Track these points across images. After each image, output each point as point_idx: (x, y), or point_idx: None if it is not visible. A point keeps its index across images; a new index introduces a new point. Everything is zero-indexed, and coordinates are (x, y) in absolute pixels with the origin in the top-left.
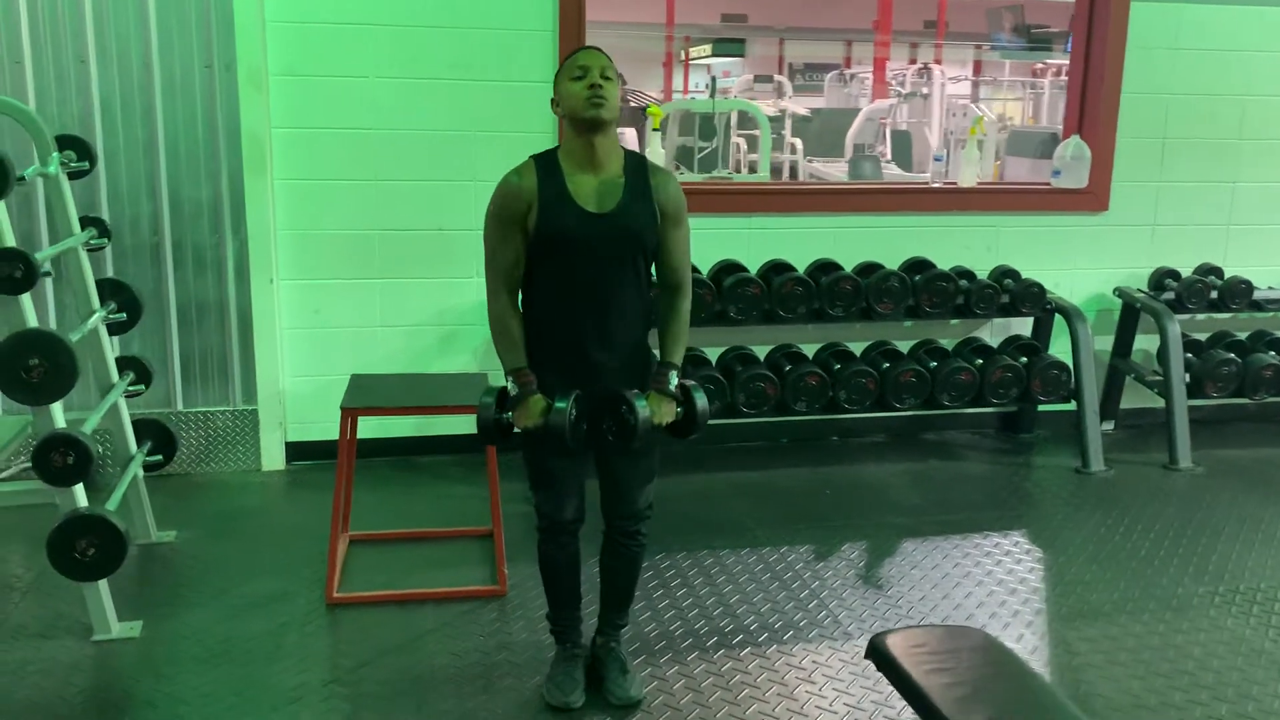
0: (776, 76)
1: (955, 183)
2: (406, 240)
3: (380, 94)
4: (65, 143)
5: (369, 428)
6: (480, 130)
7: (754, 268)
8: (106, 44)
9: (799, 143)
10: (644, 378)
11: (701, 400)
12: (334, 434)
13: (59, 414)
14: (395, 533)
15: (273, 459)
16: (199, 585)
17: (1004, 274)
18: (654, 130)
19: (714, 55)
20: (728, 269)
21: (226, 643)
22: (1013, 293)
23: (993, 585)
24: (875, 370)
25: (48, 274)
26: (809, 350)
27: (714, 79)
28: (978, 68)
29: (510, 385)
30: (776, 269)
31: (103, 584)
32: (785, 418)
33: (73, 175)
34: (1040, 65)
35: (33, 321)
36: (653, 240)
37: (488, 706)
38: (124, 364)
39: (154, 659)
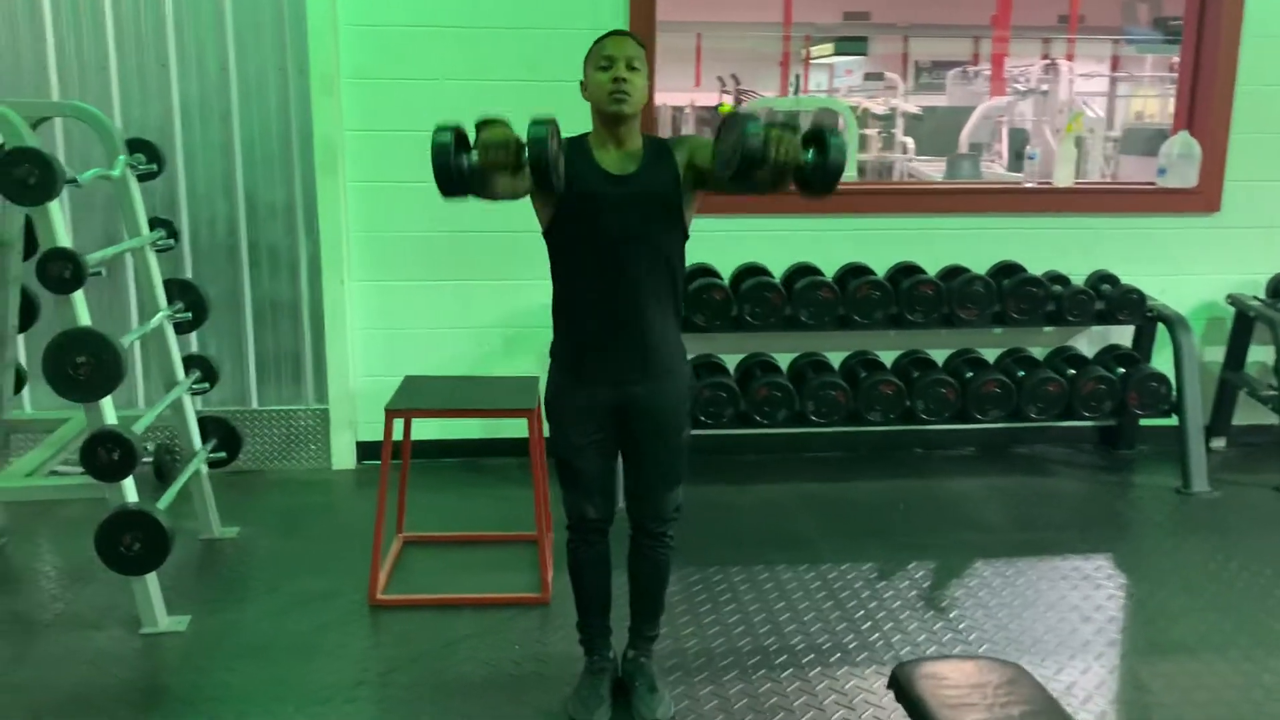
0: (888, 74)
1: (1050, 182)
2: (474, 242)
3: (450, 96)
4: (135, 146)
5: (434, 429)
6: None
7: (830, 271)
8: (186, 49)
9: (910, 142)
10: (676, 361)
11: (838, 149)
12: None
13: (109, 410)
14: (450, 535)
15: (343, 458)
16: (251, 581)
17: (1101, 279)
18: None
19: (836, 54)
20: (801, 271)
21: (268, 640)
22: (1109, 299)
23: (1065, 611)
24: (956, 380)
25: (97, 274)
26: (888, 358)
27: (797, 77)
28: (1115, 63)
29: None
30: (854, 272)
31: (151, 578)
32: (857, 428)
33: (142, 177)
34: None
35: (85, 320)
36: (675, 199)
37: (510, 714)
38: (191, 362)
39: (195, 654)
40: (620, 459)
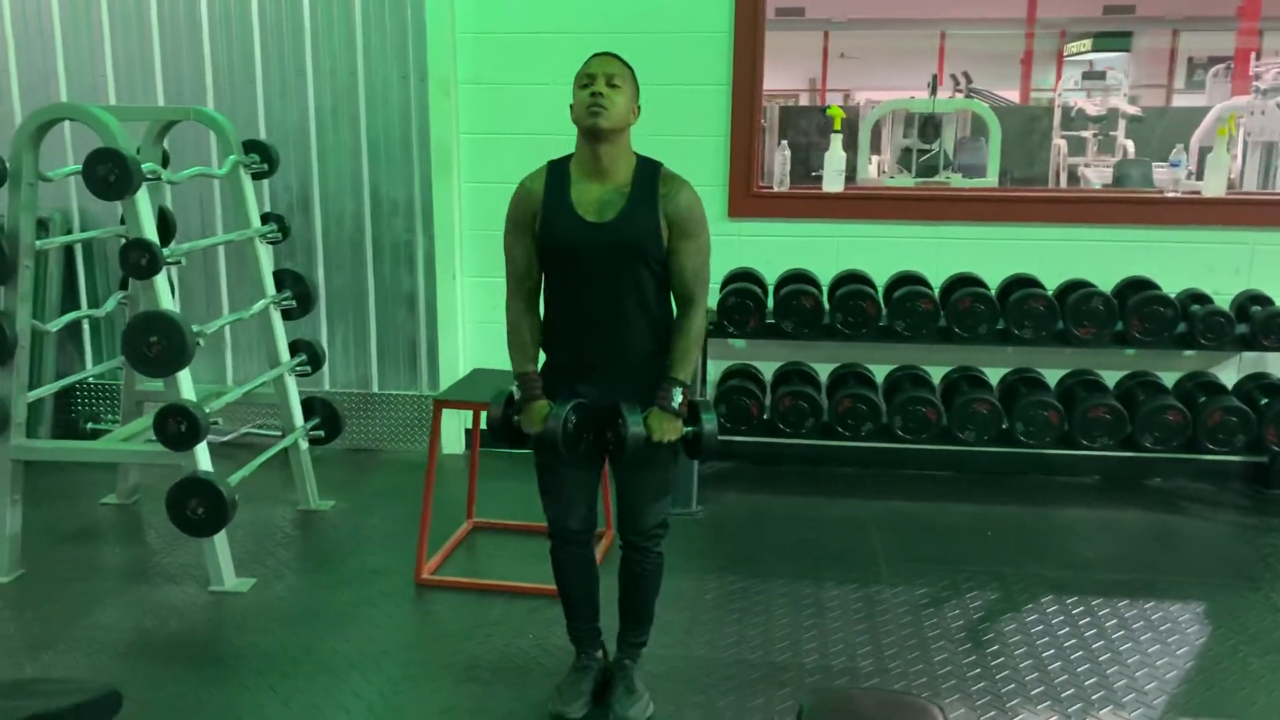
0: (1110, 72)
1: (1199, 192)
2: None
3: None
4: (250, 147)
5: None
6: (654, 134)
7: (939, 280)
8: (321, 58)
9: (1130, 144)
10: (653, 393)
11: (710, 422)
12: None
13: (186, 386)
14: (516, 524)
15: (452, 443)
16: (322, 553)
17: (1252, 300)
18: (835, 132)
19: (1094, 50)
20: (903, 281)
21: (313, 608)
22: (1256, 322)
23: (1125, 660)
24: (1059, 402)
25: (175, 263)
26: (996, 375)
27: (934, 76)
28: None
29: (515, 390)
30: (961, 283)
31: (220, 542)
32: (966, 448)
33: (256, 176)
34: None
35: (167, 303)
36: (657, 250)
37: (502, 701)
38: (298, 346)
39: (244, 614)
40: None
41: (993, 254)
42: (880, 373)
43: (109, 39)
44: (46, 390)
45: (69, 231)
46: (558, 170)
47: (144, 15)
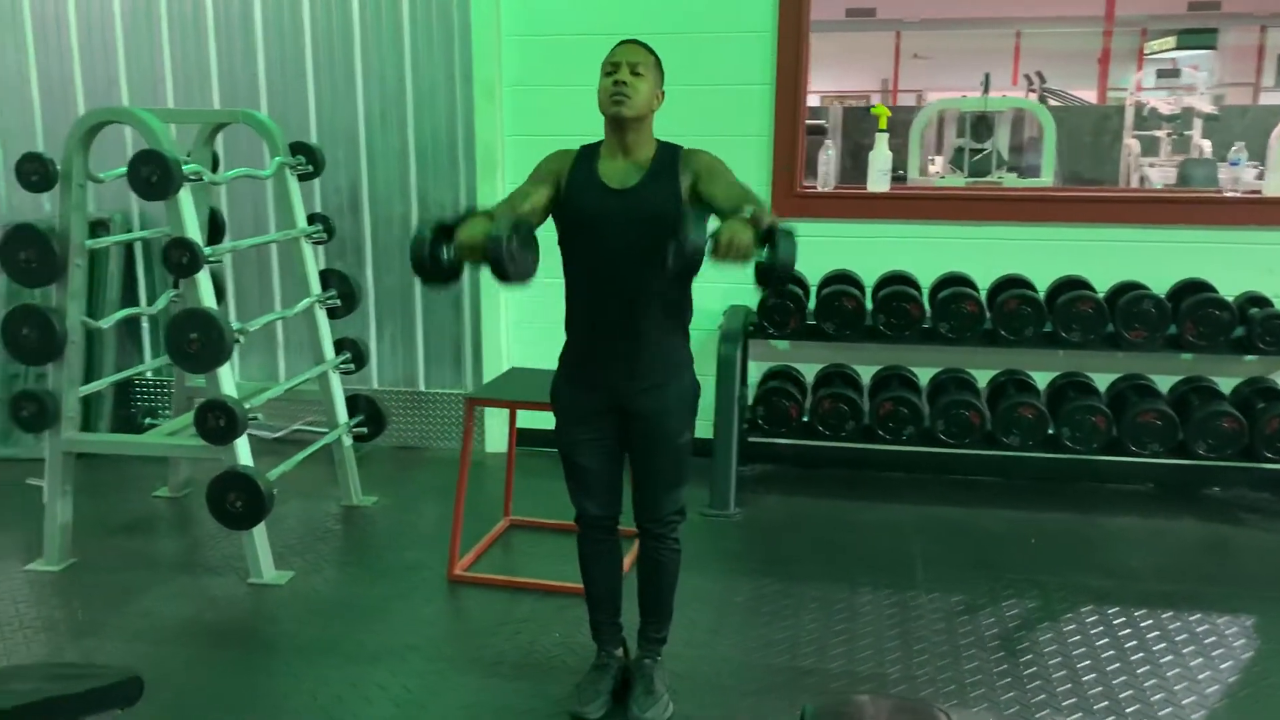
0: (1186, 70)
1: (1259, 191)
2: None
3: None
4: (297, 149)
5: None
6: (698, 135)
7: (987, 283)
8: (370, 62)
9: (1207, 144)
10: (669, 374)
11: (788, 246)
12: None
13: (226, 382)
14: (553, 522)
15: (496, 442)
16: (360, 548)
17: None
18: (880, 131)
19: (1179, 48)
20: (949, 282)
21: (346, 601)
22: None
23: (1164, 672)
24: (1108, 407)
25: (216, 262)
26: (1044, 379)
27: (987, 75)
28: None
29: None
30: (1009, 284)
31: (260, 536)
32: (992, 451)
33: (303, 177)
34: None
35: (207, 301)
36: (674, 216)
37: (523, 699)
38: (344, 345)
39: (279, 606)
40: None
41: (1043, 255)
42: (925, 375)
43: (168, 45)
44: (97, 385)
45: (130, 231)
46: (588, 151)
47: (200, 21)
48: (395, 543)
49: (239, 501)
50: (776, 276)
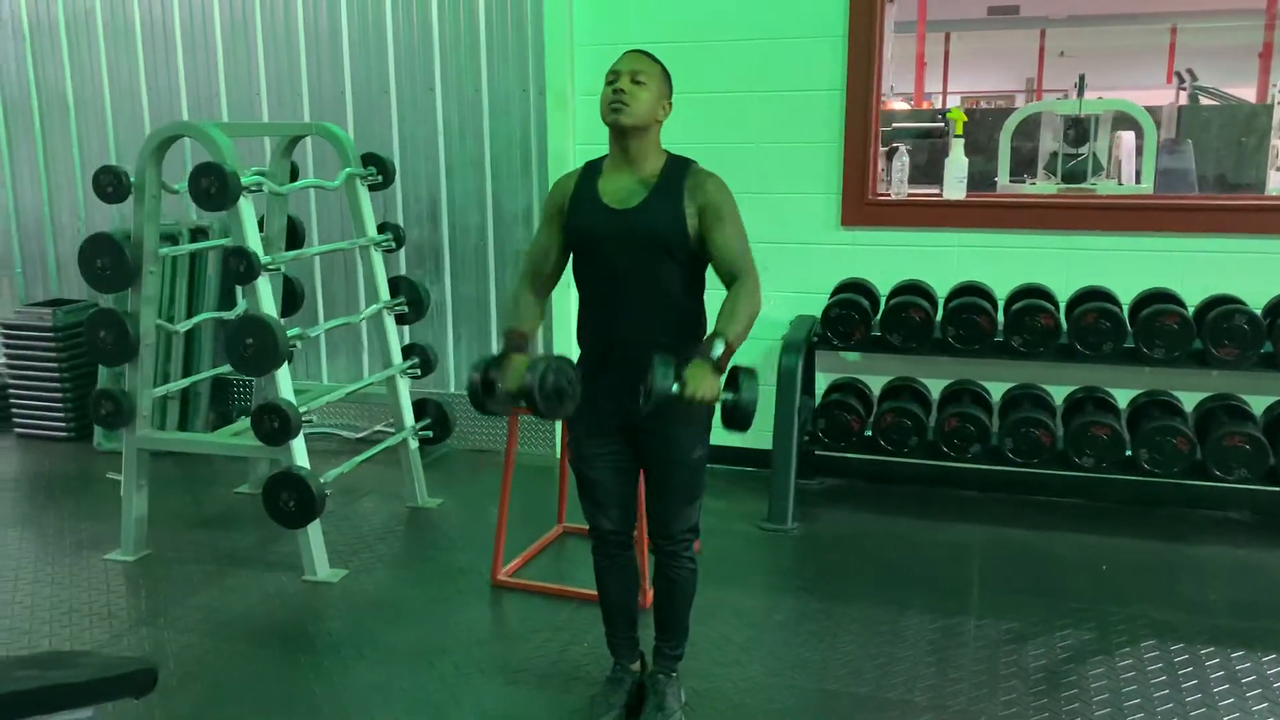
0: None
1: None
2: None
3: (674, 109)
4: (368, 160)
5: None
6: (767, 142)
7: (1068, 295)
8: (449, 74)
9: None
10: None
11: (750, 390)
12: (563, 430)
13: (284, 386)
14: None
15: None
16: (416, 549)
17: None
18: (956, 136)
19: None
20: (1024, 293)
21: (391, 601)
22: None
23: (1220, 716)
24: (1194, 429)
25: (275, 269)
26: (1126, 398)
27: (1082, 76)
28: None
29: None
30: (1089, 296)
31: (314, 534)
32: (1076, 472)
33: (373, 187)
34: None
35: (266, 308)
36: (678, 238)
37: (540, 708)
38: (412, 350)
39: (328, 603)
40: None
41: (1130, 267)
42: (999, 391)
43: (263, 60)
44: (170, 387)
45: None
46: (592, 167)
47: (293, 38)
48: (450, 545)
49: (291, 501)
50: (739, 418)
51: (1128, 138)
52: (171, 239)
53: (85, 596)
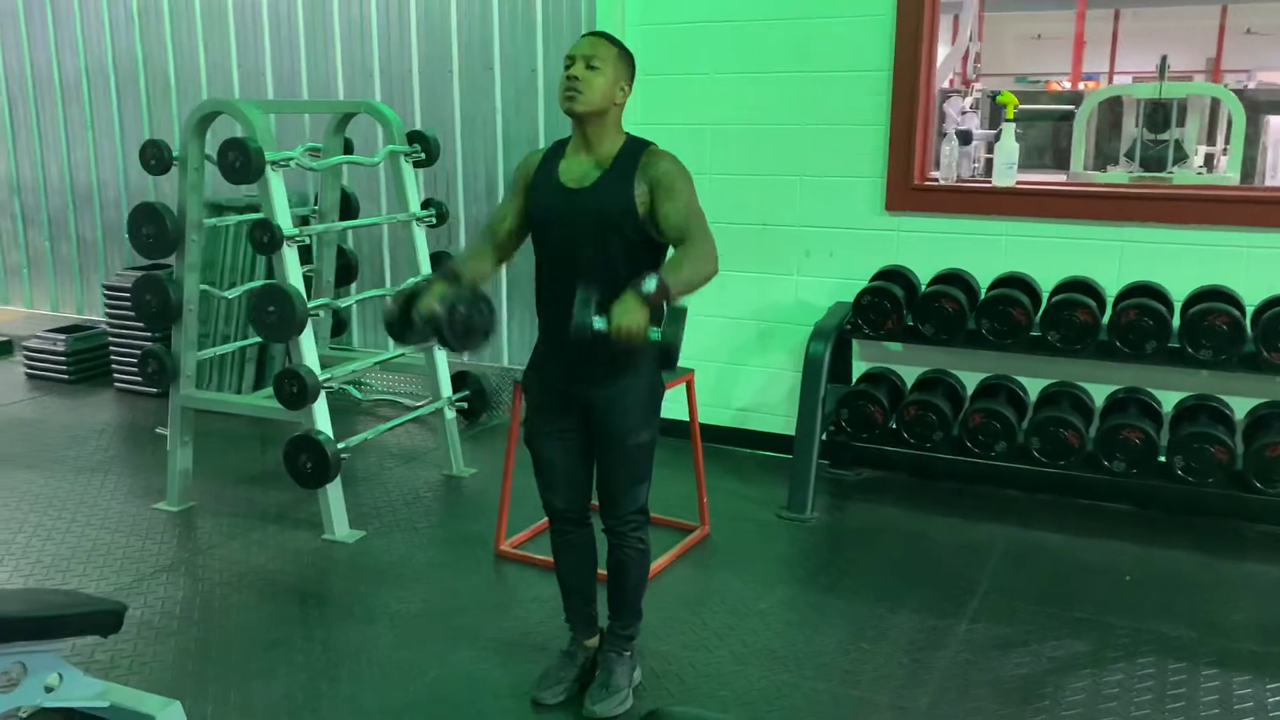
0: None
1: None
2: (732, 234)
3: (719, 90)
4: (414, 138)
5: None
6: (813, 123)
7: (1115, 289)
8: (506, 54)
9: None
10: (627, 370)
11: (674, 330)
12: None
13: (308, 351)
14: None
15: None
16: (435, 515)
17: None
18: (1008, 120)
19: None
20: (1067, 286)
21: (396, 565)
22: None
23: None
24: (1230, 438)
25: (300, 242)
26: (1171, 400)
27: (1164, 57)
28: None
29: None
30: (1136, 292)
31: (334, 495)
32: (1094, 474)
33: (418, 164)
34: None
35: (293, 277)
36: (629, 218)
37: (497, 676)
38: None
39: (337, 562)
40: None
41: (1191, 262)
42: (1036, 387)
43: (339, 43)
44: (216, 351)
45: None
46: (558, 147)
47: (365, 21)
48: (469, 514)
49: (309, 463)
50: (663, 353)
51: (1276, 123)
52: (254, 209)
53: (123, 541)
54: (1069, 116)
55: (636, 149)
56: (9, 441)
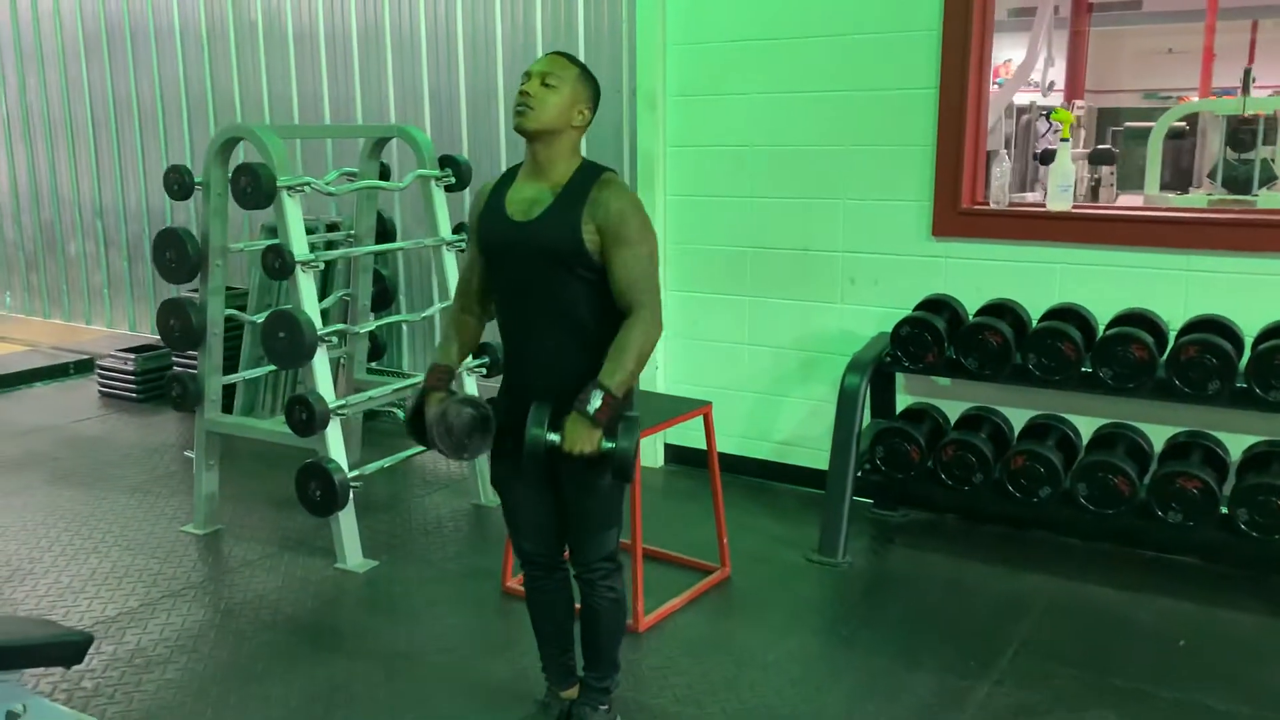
0: None
1: None
2: (774, 259)
3: (759, 111)
4: (445, 162)
5: (732, 444)
6: (856, 144)
7: (1180, 323)
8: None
9: None
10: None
11: (627, 442)
12: (703, 443)
13: (320, 378)
14: (647, 548)
15: (651, 458)
16: (453, 547)
17: None
18: (1063, 140)
19: None
20: (1124, 320)
21: (402, 597)
22: None
23: None
24: None
25: (314, 266)
26: (1239, 444)
27: (1247, 71)
28: None
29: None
30: (1199, 326)
31: (347, 523)
32: (1149, 524)
33: (448, 189)
34: None
35: (306, 302)
36: (577, 254)
37: (480, 716)
38: (483, 350)
39: (344, 592)
40: None
41: (1268, 293)
42: (1093, 426)
43: (390, 67)
44: (244, 375)
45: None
46: (509, 174)
47: (415, 46)
48: (486, 547)
49: (318, 491)
50: (616, 469)
51: None
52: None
53: (142, 564)
54: (1183, 135)
55: (588, 176)
56: (69, 458)
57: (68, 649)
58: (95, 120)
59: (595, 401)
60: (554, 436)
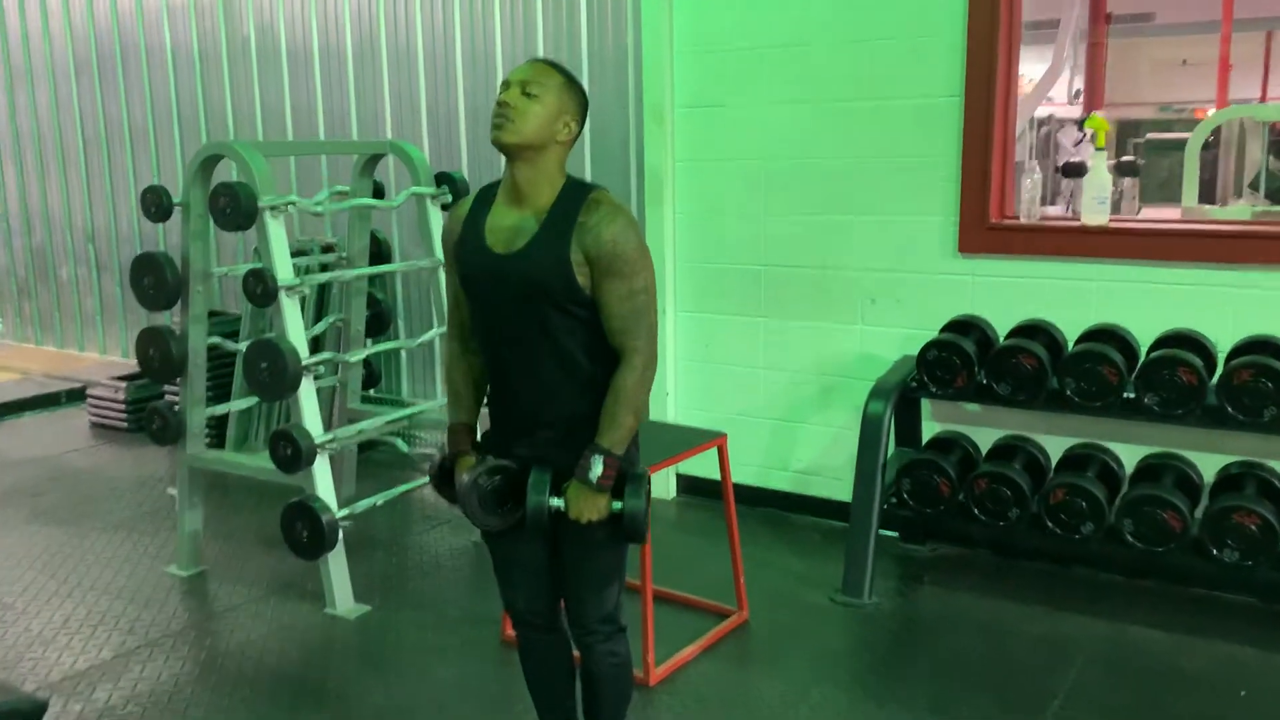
0: None
1: None
2: (790, 278)
3: (773, 122)
4: (441, 179)
5: (749, 474)
6: (876, 156)
7: (1228, 345)
8: None
9: None
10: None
11: (635, 501)
12: (717, 473)
13: (307, 412)
14: (659, 590)
15: (662, 488)
16: (451, 590)
17: None
18: (1098, 150)
19: None
20: (1168, 341)
21: (392, 647)
22: None
23: None
24: None
25: (299, 291)
26: None
27: None
28: None
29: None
30: (1252, 348)
31: (337, 566)
32: (1201, 562)
33: (445, 207)
34: None
35: (292, 330)
36: (566, 289)
37: None
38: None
39: (334, 642)
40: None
41: None
42: (1136, 455)
43: (387, 81)
44: (227, 407)
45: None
46: (485, 195)
47: (412, 59)
48: (487, 590)
49: (305, 532)
50: (628, 532)
51: None
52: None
53: (120, 609)
54: (1207, 146)
55: (575, 197)
56: (52, 492)
57: (14, 719)
58: (86, 141)
59: (596, 468)
60: (558, 502)
